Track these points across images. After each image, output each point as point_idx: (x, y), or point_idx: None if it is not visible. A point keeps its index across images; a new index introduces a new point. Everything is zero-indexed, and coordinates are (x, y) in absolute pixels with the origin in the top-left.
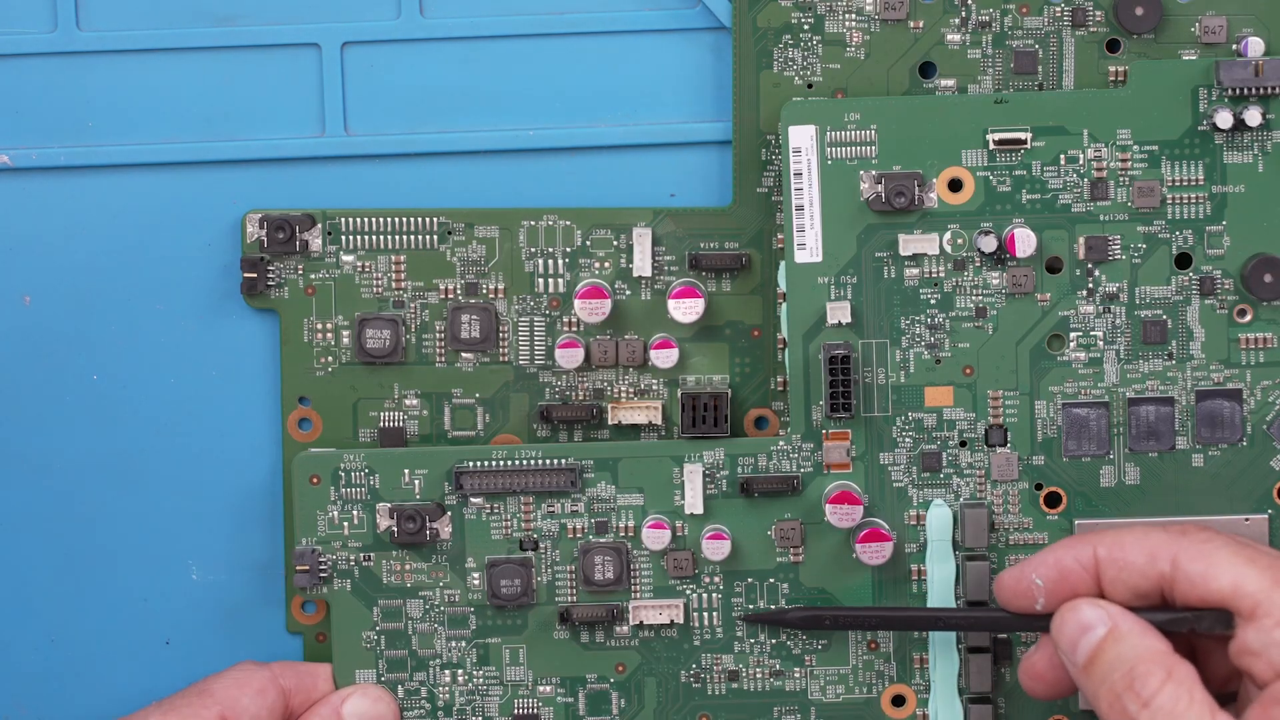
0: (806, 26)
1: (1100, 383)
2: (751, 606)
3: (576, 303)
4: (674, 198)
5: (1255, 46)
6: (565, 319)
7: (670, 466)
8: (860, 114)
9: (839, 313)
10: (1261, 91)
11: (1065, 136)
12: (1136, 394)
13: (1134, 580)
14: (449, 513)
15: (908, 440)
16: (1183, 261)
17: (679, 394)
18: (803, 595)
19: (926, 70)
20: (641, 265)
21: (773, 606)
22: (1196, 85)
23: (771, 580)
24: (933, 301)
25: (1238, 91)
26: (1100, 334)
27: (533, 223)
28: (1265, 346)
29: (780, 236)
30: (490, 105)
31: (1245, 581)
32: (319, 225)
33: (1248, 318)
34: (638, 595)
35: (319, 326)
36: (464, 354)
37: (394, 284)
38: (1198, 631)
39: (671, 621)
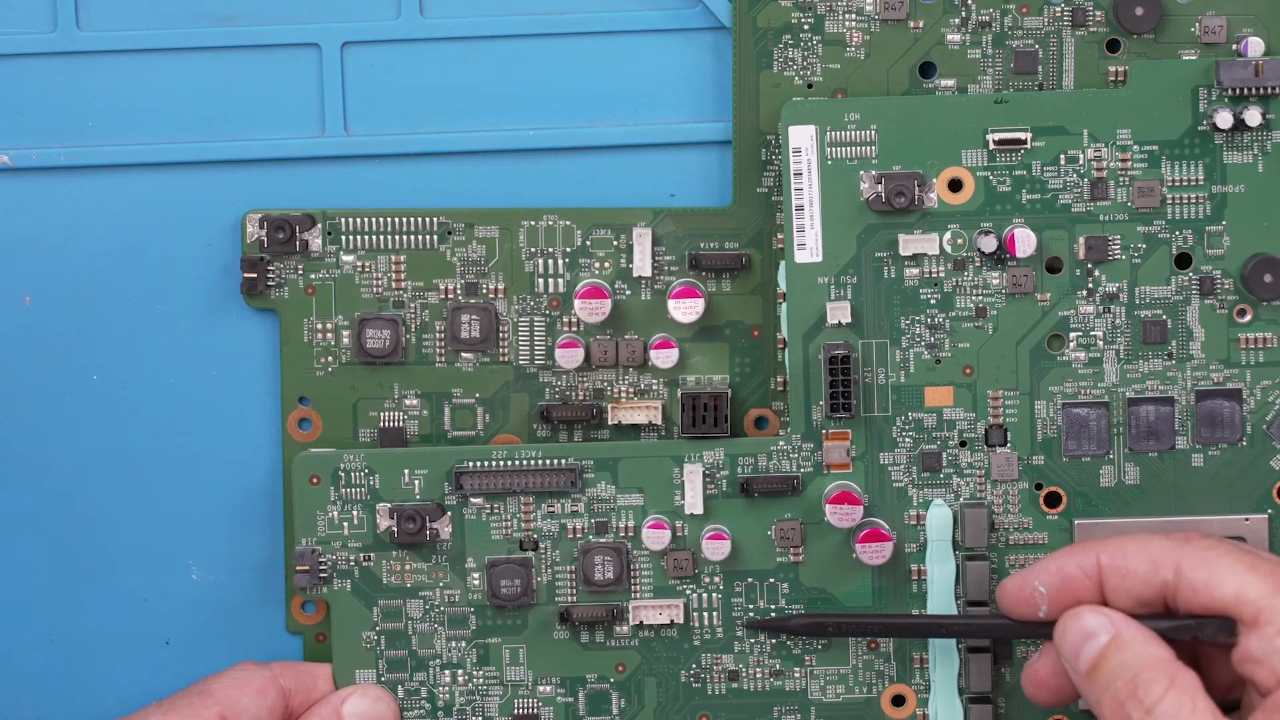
0: (806, 26)
1: (1100, 383)
2: (751, 606)
3: (576, 303)
4: (674, 198)
5: (1255, 46)
6: (565, 319)
7: (670, 466)
8: (860, 114)
9: (839, 313)
10: (1261, 91)
11: (1065, 136)
12: (1136, 394)
13: (1137, 588)
14: (449, 513)
15: (908, 440)
16: (1183, 261)
17: (679, 394)
18: (803, 595)
19: (926, 70)
20: (641, 265)
21: (771, 608)
22: (1196, 85)
23: (771, 580)
24: (933, 301)
25: (1238, 91)
26: (1100, 334)
27: (533, 223)
28: (1265, 346)
29: (780, 236)
30: (490, 105)
31: (1248, 589)
32: (319, 225)
33: (1248, 318)
34: (638, 595)
35: (319, 326)
36: (464, 354)
37: (394, 284)
38: (1201, 639)
39: (671, 621)
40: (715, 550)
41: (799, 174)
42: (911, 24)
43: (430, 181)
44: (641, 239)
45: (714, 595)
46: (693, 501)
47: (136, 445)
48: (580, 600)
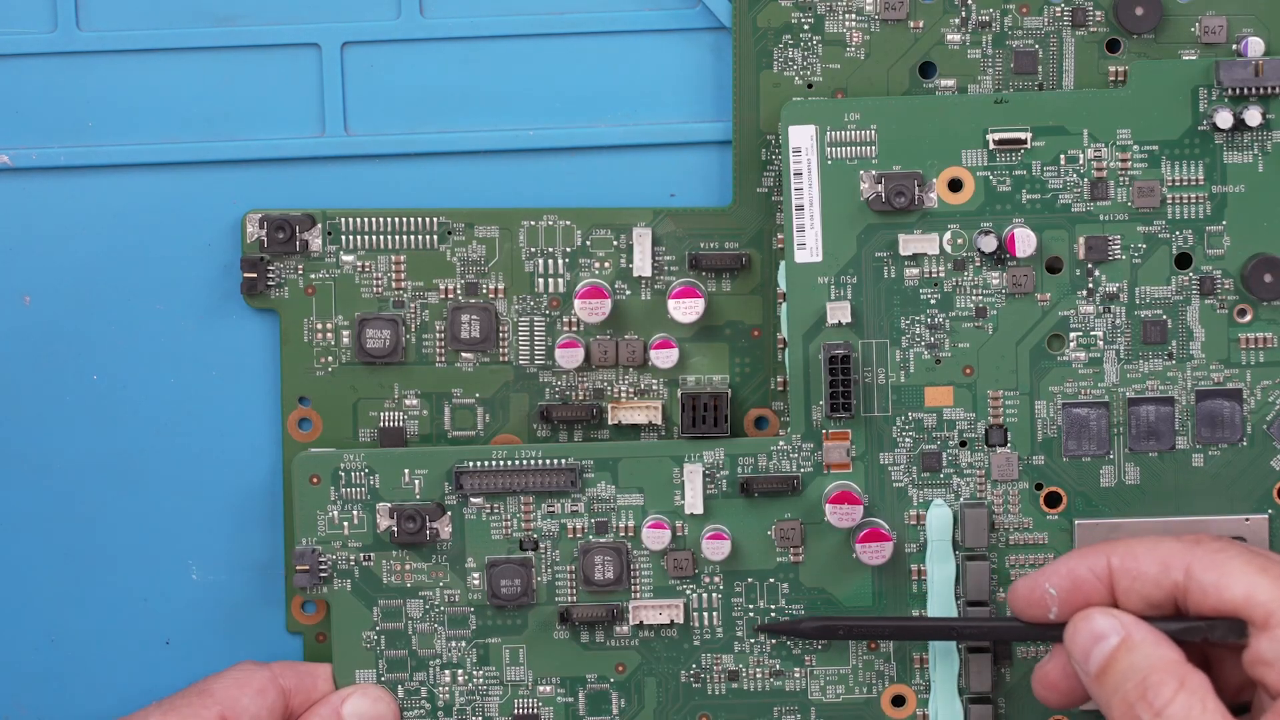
0: (806, 26)
1: (1100, 383)
2: (751, 606)
3: (576, 303)
4: (674, 198)
5: (1255, 46)
6: (565, 319)
7: (670, 466)
8: (860, 114)
9: (839, 313)
10: (1261, 91)
11: (1065, 136)
12: (1136, 394)
13: (1147, 590)
14: (449, 513)
15: (908, 440)
16: (1183, 261)
17: (679, 394)
18: (803, 595)
19: (926, 70)
20: (641, 265)
21: (771, 608)
22: (1196, 85)
23: (771, 580)
24: (933, 301)
25: (1238, 91)
26: (1100, 334)
27: (533, 223)
28: (1265, 346)
29: (780, 236)
30: (490, 105)
31: (1258, 591)
32: (319, 225)
33: (1248, 318)
34: (638, 595)
35: (319, 326)
36: (464, 354)
37: (394, 284)
38: (1211, 641)
39: (671, 621)
40: (715, 550)
41: (799, 174)
42: (911, 24)
43: (430, 181)
44: (641, 239)
45: (714, 595)
46: (693, 501)
47: (136, 445)
48: (580, 600)
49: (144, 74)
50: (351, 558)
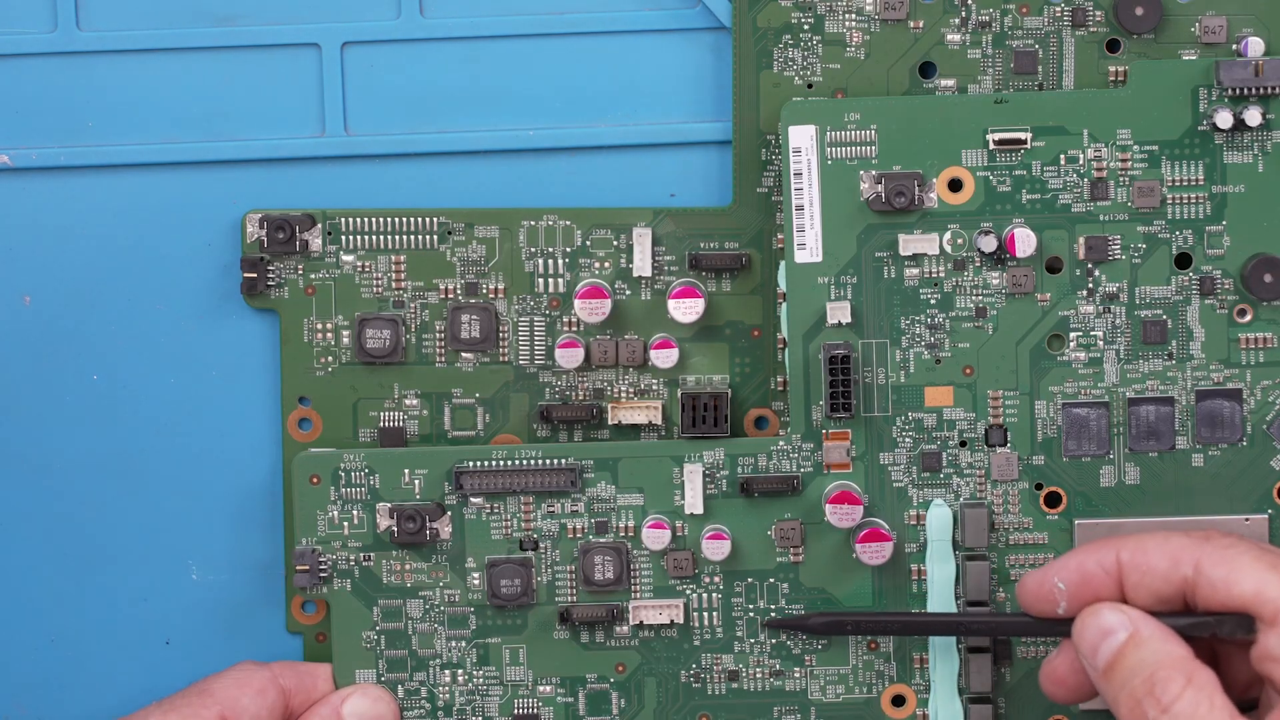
0: (806, 26)
1: (1100, 383)
2: (751, 606)
3: (576, 303)
4: (674, 198)
5: (1255, 46)
6: (565, 319)
7: (670, 466)
8: (860, 114)
9: (839, 313)
10: (1261, 91)
11: (1065, 136)
12: (1136, 394)
13: (1156, 585)
14: (449, 513)
15: (908, 440)
16: (1183, 261)
17: (679, 394)
18: (803, 595)
19: (926, 70)
20: (641, 265)
21: (771, 608)
22: (1196, 85)
23: (771, 580)
24: (933, 301)
25: (1238, 91)
26: (1100, 334)
27: (533, 223)
28: (1265, 346)
29: (780, 236)
30: (490, 105)
31: (1268, 587)
32: (319, 225)
33: (1248, 318)
34: (638, 595)
35: (319, 326)
36: (464, 354)
37: (394, 284)
38: (1219, 637)
39: (671, 621)
40: (715, 550)
41: (799, 174)
42: (911, 24)
43: (430, 181)
44: (641, 239)
45: (714, 595)
46: (693, 501)
47: (136, 445)
48: (580, 600)
49: (144, 74)
50: (351, 558)
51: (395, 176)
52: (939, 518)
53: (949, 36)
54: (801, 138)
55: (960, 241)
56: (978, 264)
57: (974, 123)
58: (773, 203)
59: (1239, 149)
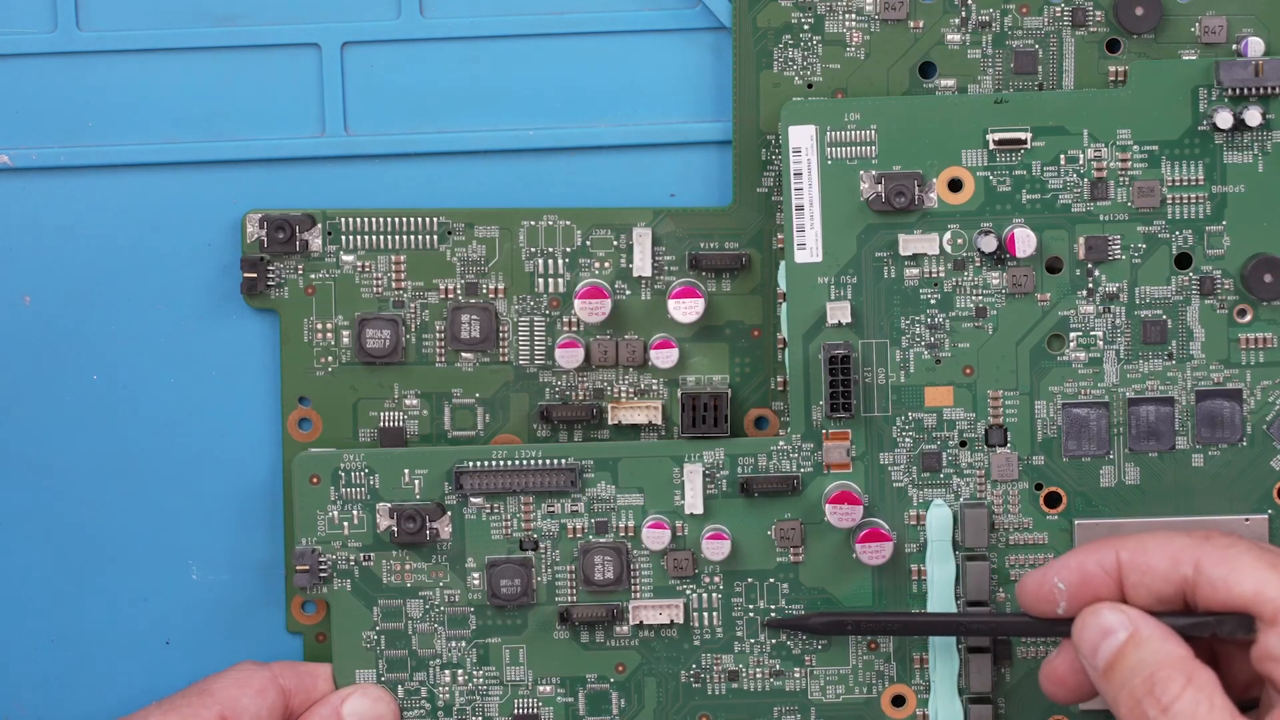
0: (806, 26)
1: (1100, 383)
2: (751, 606)
3: (576, 303)
4: (674, 198)
5: (1255, 46)
6: (565, 319)
7: (670, 466)
8: (860, 114)
9: (839, 313)
10: (1261, 91)
11: (1065, 136)
12: (1136, 394)
13: (1156, 585)
14: (449, 513)
15: (908, 440)
16: (1183, 261)
17: (679, 394)
18: (803, 595)
19: (926, 70)
20: (641, 265)
21: (771, 608)
22: (1196, 85)
23: (771, 580)
24: (933, 301)
25: (1238, 91)
26: (1100, 334)
27: (533, 223)
28: (1265, 346)
29: (780, 236)
30: (490, 105)
31: (1268, 587)
32: (319, 225)
33: (1248, 318)
34: (638, 595)
35: (319, 326)
36: (464, 354)
37: (394, 284)
38: (1219, 636)
39: (671, 621)
40: (715, 550)
41: (799, 174)
42: (911, 24)
43: (430, 181)
44: (641, 239)
45: (714, 595)
46: (693, 501)
47: (136, 445)
48: (580, 600)
49: (144, 74)
50: (351, 558)
51: (395, 176)
52: (939, 518)
53: (949, 36)
54: (801, 138)
55: (960, 241)
56: (978, 264)
57: (974, 123)
58: (773, 203)
59: (1239, 149)
